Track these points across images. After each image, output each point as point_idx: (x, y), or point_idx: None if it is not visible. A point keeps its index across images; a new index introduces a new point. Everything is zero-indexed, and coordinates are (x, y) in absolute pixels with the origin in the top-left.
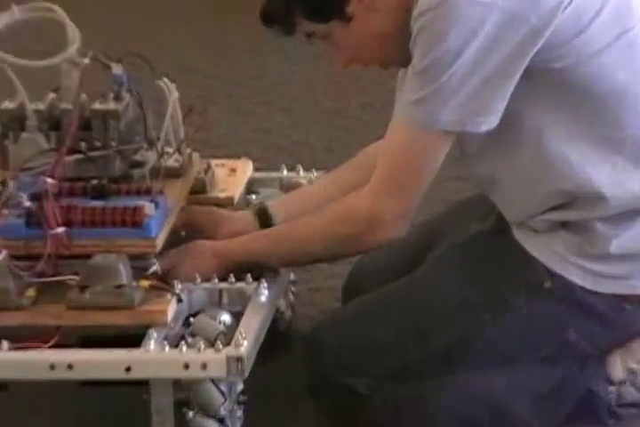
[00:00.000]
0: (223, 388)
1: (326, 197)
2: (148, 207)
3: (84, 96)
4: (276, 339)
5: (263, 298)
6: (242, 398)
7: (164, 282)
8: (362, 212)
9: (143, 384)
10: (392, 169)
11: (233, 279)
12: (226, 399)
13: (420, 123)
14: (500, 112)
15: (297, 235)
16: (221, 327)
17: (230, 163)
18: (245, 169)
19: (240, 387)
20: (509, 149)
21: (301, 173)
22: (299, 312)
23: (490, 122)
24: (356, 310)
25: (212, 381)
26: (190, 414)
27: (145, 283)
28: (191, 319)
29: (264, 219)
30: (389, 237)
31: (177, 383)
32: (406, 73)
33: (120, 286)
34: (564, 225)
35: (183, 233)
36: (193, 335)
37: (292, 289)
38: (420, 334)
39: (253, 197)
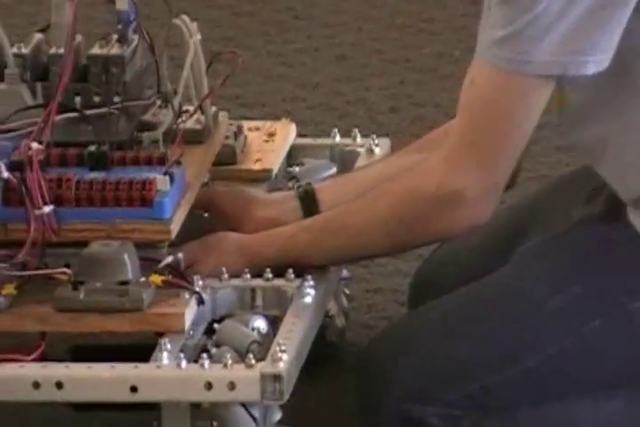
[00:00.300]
0: (256, 414)
1: (371, 183)
2: (161, 181)
3: (79, 37)
4: (323, 353)
5: (308, 299)
6: None
7: (180, 278)
8: (430, 187)
9: (152, 409)
10: (471, 129)
11: (270, 275)
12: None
13: (508, 66)
14: (612, 50)
15: (349, 223)
16: (255, 335)
17: (267, 125)
18: (287, 134)
19: (278, 415)
20: (625, 101)
21: (358, 139)
22: (353, 319)
23: (599, 62)
24: (426, 318)
25: (243, 405)
26: None
27: (156, 279)
28: (215, 326)
29: (309, 205)
30: (469, 222)
31: (196, 408)
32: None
33: (124, 283)
34: None
35: (206, 215)
36: (217, 346)
37: (346, 290)
38: (508, 352)
39: (296, 169)
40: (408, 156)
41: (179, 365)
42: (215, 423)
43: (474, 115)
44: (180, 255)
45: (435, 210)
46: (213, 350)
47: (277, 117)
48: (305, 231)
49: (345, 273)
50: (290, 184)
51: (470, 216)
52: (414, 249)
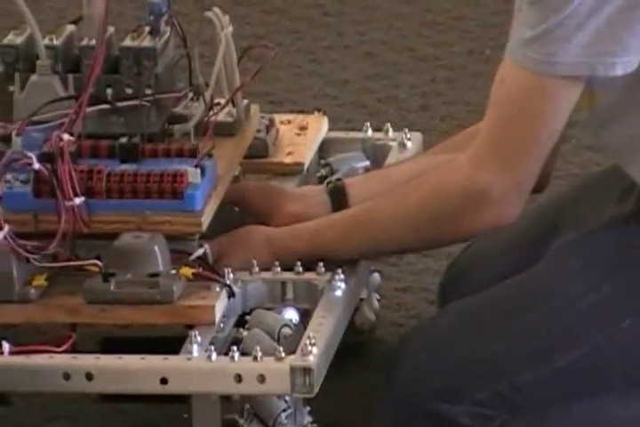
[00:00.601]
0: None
1: (402, 180)
2: (192, 173)
3: (111, 29)
4: (352, 351)
5: (339, 293)
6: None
7: (211, 270)
8: (458, 183)
9: (183, 401)
10: (499, 127)
11: (300, 268)
12: (289, 406)
13: (536, 67)
14: None
15: (376, 218)
16: (286, 319)
17: (299, 119)
18: (319, 127)
19: (308, 419)
20: None
21: (390, 133)
22: (382, 317)
23: (628, 63)
24: (457, 316)
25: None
26: (241, 421)
27: (187, 271)
28: (247, 318)
29: (338, 200)
30: (494, 220)
31: (226, 400)
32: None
33: (155, 275)
34: None
35: (236, 209)
36: (249, 329)
37: (378, 280)
38: (539, 350)
39: (330, 158)
40: (437, 155)
41: (209, 357)
42: (247, 406)
43: (502, 113)
44: (210, 248)
45: (461, 206)
46: (245, 333)
47: (308, 113)
48: (332, 225)
49: (378, 279)
50: (322, 172)
51: (496, 214)
52: (441, 247)
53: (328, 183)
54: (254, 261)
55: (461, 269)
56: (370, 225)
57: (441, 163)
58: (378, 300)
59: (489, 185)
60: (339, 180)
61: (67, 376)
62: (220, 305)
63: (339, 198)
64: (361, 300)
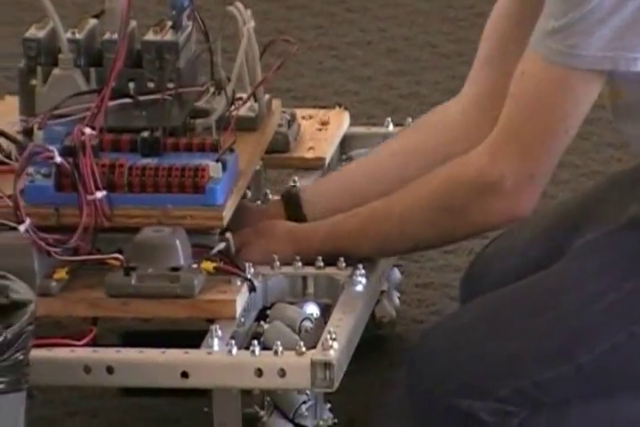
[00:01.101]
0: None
1: (384, 169)
2: (214, 168)
3: (133, 23)
4: (371, 344)
5: (360, 288)
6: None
7: (232, 264)
8: (470, 174)
9: (203, 395)
10: (517, 119)
11: (321, 263)
12: (309, 399)
13: (557, 59)
14: None
15: (392, 211)
16: (307, 313)
17: (321, 114)
18: (341, 122)
19: (328, 414)
20: None
21: None
22: (403, 313)
23: None
24: (478, 313)
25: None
26: (261, 413)
27: (208, 265)
28: (268, 312)
29: (291, 207)
30: (506, 213)
31: (246, 393)
32: None
33: (176, 269)
34: None
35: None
36: (271, 322)
37: (398, 276)
38: (561, 347)
39: (352, 153)
40: (401, 139)
41: (230, 351)
42: (268, 398)
43: (520, 105)
44: (231, 239)
45: (472, 197)
46: (266, 326)
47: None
48: (351, 219)
49: (398, 274)
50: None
51: (507, 207)
52: (454, 241)
53: (283, 193)
54: (275, 256)
55: (483, 266)
56: (386, 218)
57: (405, 148)
58: (398, 297)
59: (501, 176)
60: (293, 186)
61: (87, 370)
62: (241, 299)
63: (291, 205)
64: (381, 292)
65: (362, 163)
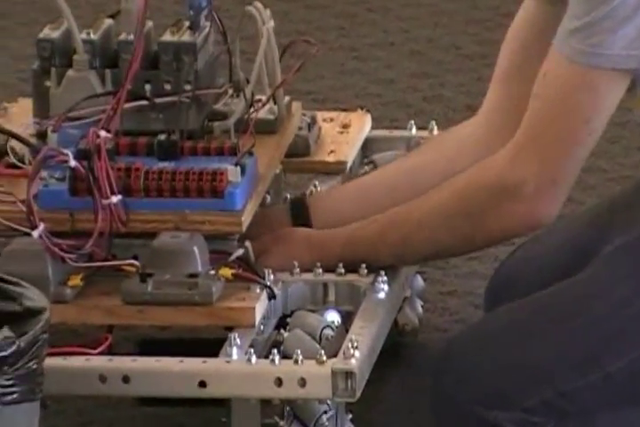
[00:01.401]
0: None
1: (377, 189)
2: (232, 172)
3: (150, 24)
4: (394, 353)
5: (382, 295)
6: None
7: (251, 271)
8: (491, 177)
9: (221, 404)
10: (539, 121)
11: (342, 270)
12: (330, 409)
13: (580, 58)
14: None
15: (412, 216)
16: (328, 320)
17: (342, 116)
18: (362, 125)
19: (349, 425)
20: None
21: (435, 132)
22: (426, 322)
23: None
24: (504, 321)
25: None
26: (281, 423)
27: (227, 272)
28: (288, 320)
29: (298, 214)
30: (527, 219)
31: (266, 404)
32: None
33: (194, 276)
34: None
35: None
36: (291, 329)
37: (422, 283)
38: (588, 356)
39: (375, 157)
40: (425, 154)
41: (249, 360)
42: (287, 408)
43: (543, 106)
44: (250, 246)
45: (492, 201)
46: (286, 334)
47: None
48: (370, 225)
49: (421, 282)
50: (366, 169)
51: (528, 212)
52: (476, 248)
53: (290, 199)
54: (295, 262)
55: (509, 273)
56: (406, 223)
57: (429, 162)
58: (421, 305)
59: (523, 180)
60: (302, 194)
61: (103, 379)
62: (261, 307)
63: (298, 212)
64: (404, 300)
65: (385, 168)
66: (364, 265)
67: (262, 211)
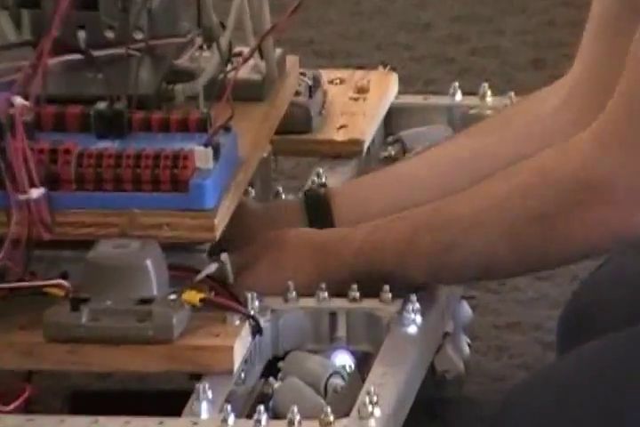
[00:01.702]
0: None
1: (423, 179)
2: (202, 155)
3: None
4: (433, 406)
5: (413, 329)
6: None
7: (228, 295)
8: (569, 168)
9: None
10: (630, 109)
11: (356, 293)
12: None
13: None
14: None
15: (454, 216)
16: (336, 366)
17: (357, 77)
18: (385, 89)
19: None
20: None
21: (489, 97)
22: (475, 367)
23: None
24: (584, 369)
25: None
26: None
27: (193, 297)
28: (280, 364)
29: (317, 215)
30: (616, 223)
31: None
32: None
33: (146, 302)
34: None
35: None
36: (283, 379)
37: (469, 312)
38: None
39: (403, 134)
40: (472, 137)
41: (224, 420)
42: None
43: (630, 97)
44: (227, 260)
45: (571, 198)
46: (276, 385)
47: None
48: (398, 223)
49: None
50: (390, 151)
51: (618, 215)
52: (550, 268)
53: (307, 192)
54: (290, 282)
55: (591, 300)
56: (446, 225)
57: (478, 148)
58: (468, 343)
59: (613, 175)
60: (322, 185)
61: None
62: (241, 346)
63: (318, 212)
64: (444, 336)
65: (409, 163)
66: (386, 287)
67: (259, 208)
